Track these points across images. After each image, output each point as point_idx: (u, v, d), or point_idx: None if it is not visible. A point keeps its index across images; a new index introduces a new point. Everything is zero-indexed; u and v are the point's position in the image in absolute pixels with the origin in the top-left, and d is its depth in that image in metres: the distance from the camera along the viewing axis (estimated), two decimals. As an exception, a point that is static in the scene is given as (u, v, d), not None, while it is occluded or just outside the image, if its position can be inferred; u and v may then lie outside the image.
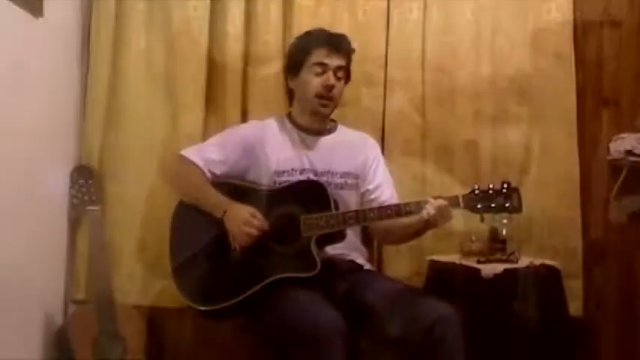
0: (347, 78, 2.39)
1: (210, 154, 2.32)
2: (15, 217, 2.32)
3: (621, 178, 2.75)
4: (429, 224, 2.14)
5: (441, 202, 2.09)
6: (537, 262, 2.56)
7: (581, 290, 2.76)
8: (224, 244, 2.18)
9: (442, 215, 2.10)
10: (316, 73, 2.30)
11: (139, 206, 2.81)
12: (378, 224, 2.29)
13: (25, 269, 2.40)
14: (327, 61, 2.30)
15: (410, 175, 2.80)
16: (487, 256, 2.52)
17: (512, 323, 2.40)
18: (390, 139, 2.80)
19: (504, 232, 2.60)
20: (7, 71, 2.24)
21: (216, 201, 2.22)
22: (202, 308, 2.17)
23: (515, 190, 2.13)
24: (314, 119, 2.37)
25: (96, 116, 2.79)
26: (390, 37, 2.84)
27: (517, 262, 2.51)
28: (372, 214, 2.15)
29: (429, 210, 2.08)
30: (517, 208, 2.12)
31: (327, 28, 2.45)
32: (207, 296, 2.16)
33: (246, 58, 2.86)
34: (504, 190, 2.11)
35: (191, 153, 2.34)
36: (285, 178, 2.27)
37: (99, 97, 2.79)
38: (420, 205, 2.11)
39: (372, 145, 2.48)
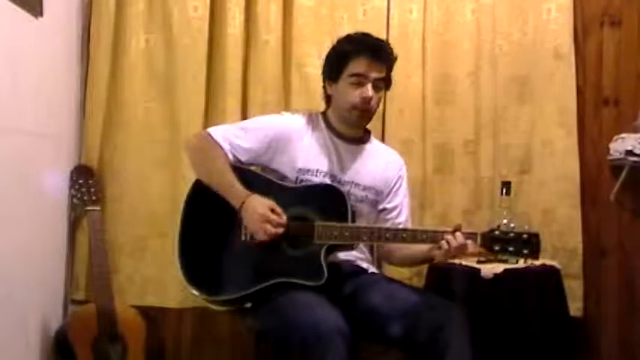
0: (387, 86, 2.28)
1: (237, 139, 2.21)
2: (15, 217, 2.32)
3: (621, 178, 2.75)
4: (445, 256, 2.04)
5: (461, 237, 1.99)
6: (537, 262, 2.56)
7: (581, 290, 2.76)
8: (234, 235, 2.12)
9: (461, 250, 2.00)
10: (354, 83, 2.17)
11: (139, 206, 2.82)
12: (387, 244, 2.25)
13: (24, 269, 2.40)
14: (366, 72, 2.16)
15: (410, 175, 2.79)
16: (487, 256, 2.52)
17: (512, 323, 2.40)
18: (390, 139, 2.80)
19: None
20: (7, 71, 2.24)
21: (236, 191, 2.12)
22: (203, 297, 2.14)
23: (536, 236, 1.99)
24: (349, 127, 2.29)
25: (96, 116, 2.80)
26: (390, 37, 2.84)
27: (517, 262, 2.51)
28: (387, 235, 2.09)
29: (451, 242, 1.99)
30: (535, 256, 2.00)
31: (371, 33, 2.29)
32: (211, 286, 2.13)
33: (246, 58, 2.86)
34: (524, 236, 1.99)
35: (218, 134, 2.22)
36: (308, 177, 2.20)
37: (99, 97, 2.80)
38: (436, 236, 2.03)
39: (399, 165, 2.39)
